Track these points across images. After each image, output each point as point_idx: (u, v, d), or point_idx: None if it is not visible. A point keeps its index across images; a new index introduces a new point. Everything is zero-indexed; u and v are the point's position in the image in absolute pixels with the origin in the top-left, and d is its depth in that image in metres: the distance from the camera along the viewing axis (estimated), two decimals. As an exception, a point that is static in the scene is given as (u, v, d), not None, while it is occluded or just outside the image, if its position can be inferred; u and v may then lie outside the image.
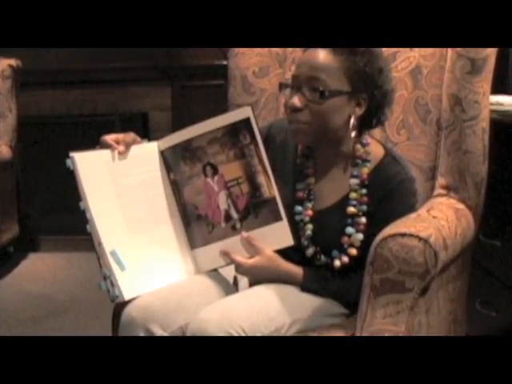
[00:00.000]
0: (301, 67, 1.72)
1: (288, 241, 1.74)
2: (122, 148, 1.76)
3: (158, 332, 1.65)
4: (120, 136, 1.77)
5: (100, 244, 1.69)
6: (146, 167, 1.80)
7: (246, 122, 1.73)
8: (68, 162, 1.70)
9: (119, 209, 1.74)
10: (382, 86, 1.72)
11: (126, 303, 1.69)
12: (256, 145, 1.73)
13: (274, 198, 1.74)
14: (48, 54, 4.06)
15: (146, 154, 1.81)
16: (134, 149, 1.78)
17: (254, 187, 1.75)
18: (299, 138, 1.76)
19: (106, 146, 1.76)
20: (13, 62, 3.86)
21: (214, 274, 1.82)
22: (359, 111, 1.72)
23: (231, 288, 1.82)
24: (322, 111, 1.69)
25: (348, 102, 1.70)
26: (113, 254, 1.70)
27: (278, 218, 1.74)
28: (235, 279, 1.86)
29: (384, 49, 1.98)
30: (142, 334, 1.65)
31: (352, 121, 1.71)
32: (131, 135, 1.79)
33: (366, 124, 1.76)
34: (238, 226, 1.77)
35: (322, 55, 1.69)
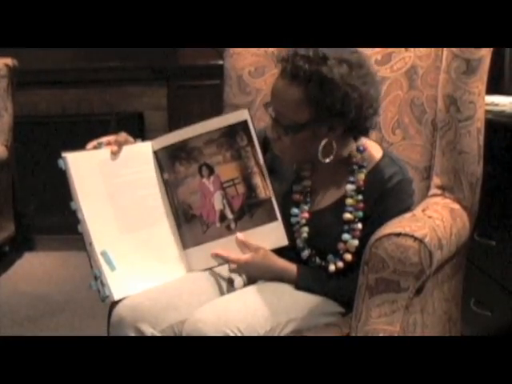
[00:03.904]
0: (272, 99, 1.72)
1: (282, 241, 1.75)
2: (114, 148, 1.76)
3: (148, 330, 1.65)
4: (111, 137, 1.78)
5: (91, 244, 1.70)
6: (138, 167, 1.80)
7: (244, 124, 1.74)
8: (60, 162, 1.70)
9: (111, 209, 1.75)
10: (349, 112, 1.65)
11: (117, 303, 1.70)
12: (253, 146, 1.74)
13: (269, 199, 1.75)
14: (44, 53, 4.04)
15: (139, 154, 1.81)
16: (127, 149, 1.78)
17: (250, 188, 1.76)
18: (283, 160, 1.79)
19: (99, 146, 1.76)
20: (9, 61, 3.85)
21: (206, 273, 1.82)
22: (334, 134, 1.70)
23: (224, 287, 1.82)
24: (293, 144, 1.70)
25: (318, 130, 1.69)
26: (103, 254, 1.70)
27: (273, 219, 1.75)
28: (230, 279, 1.86)
29: (379, 49, 2.00)
30: (131, 334, 1.65)
31: (330, 144, 1.70)
32: (123, 135, 1.79)
33: (352, 135, 1.75)
34: (232, 226, 1.78)
35: (283, 89, 1.67)
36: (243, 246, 1.76)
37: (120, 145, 1.77)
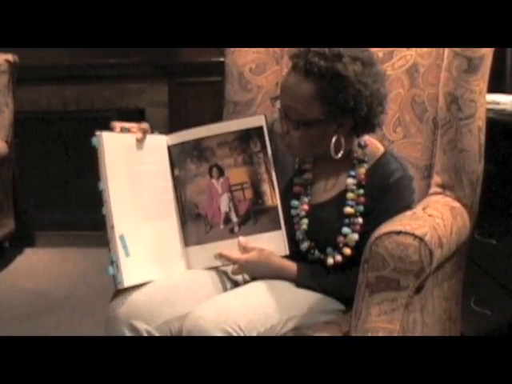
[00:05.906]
0: (282, 94, 1.74)
1: (283, 250, 1.77)
2: (139, 135, 1.76)
3: (142, 327, 1.65)
4: (134, 124, 1.77)
5: (112, 227, 1.69)
6: (157, 158, 1.81)
7: (259, 130, 1.76)
8: (94, 139, 1.68)
9: (131, 195, 1.74)
10: (361, 109, 1.68)
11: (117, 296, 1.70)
12: (265, 154, 1.76)
13: (275, 208, 1.76)
14: (45, 49, 4.04)
15: (158, 146, 1.82)
16: (148, 138, 1.78)
17: (258, 194, 1.77)
18: (290, 153, 1.80)
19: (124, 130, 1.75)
20: (10, 57, 3.85)
21: (205, 270, 1.82)
22: (343, 131, 1.72)
23: (224, 285, 1.82)
24: (301, 138, 1.71)
25: (328, 126, 1.70)
26: (121, 238, 1.69)
27: (277, 227, 1.76)
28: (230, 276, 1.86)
29: (381, 47, 2.00)
30: (125, 330, 1.65)
31: (339, 140, 1.72)
32: (146, 124, 1.79)
33: (358, 132, 1.76)
34: (236, 229, 1.79)
35: (296, 84, 1.68)
36: (244, 250, 1.77)
37: (145, 132, 1.77)
